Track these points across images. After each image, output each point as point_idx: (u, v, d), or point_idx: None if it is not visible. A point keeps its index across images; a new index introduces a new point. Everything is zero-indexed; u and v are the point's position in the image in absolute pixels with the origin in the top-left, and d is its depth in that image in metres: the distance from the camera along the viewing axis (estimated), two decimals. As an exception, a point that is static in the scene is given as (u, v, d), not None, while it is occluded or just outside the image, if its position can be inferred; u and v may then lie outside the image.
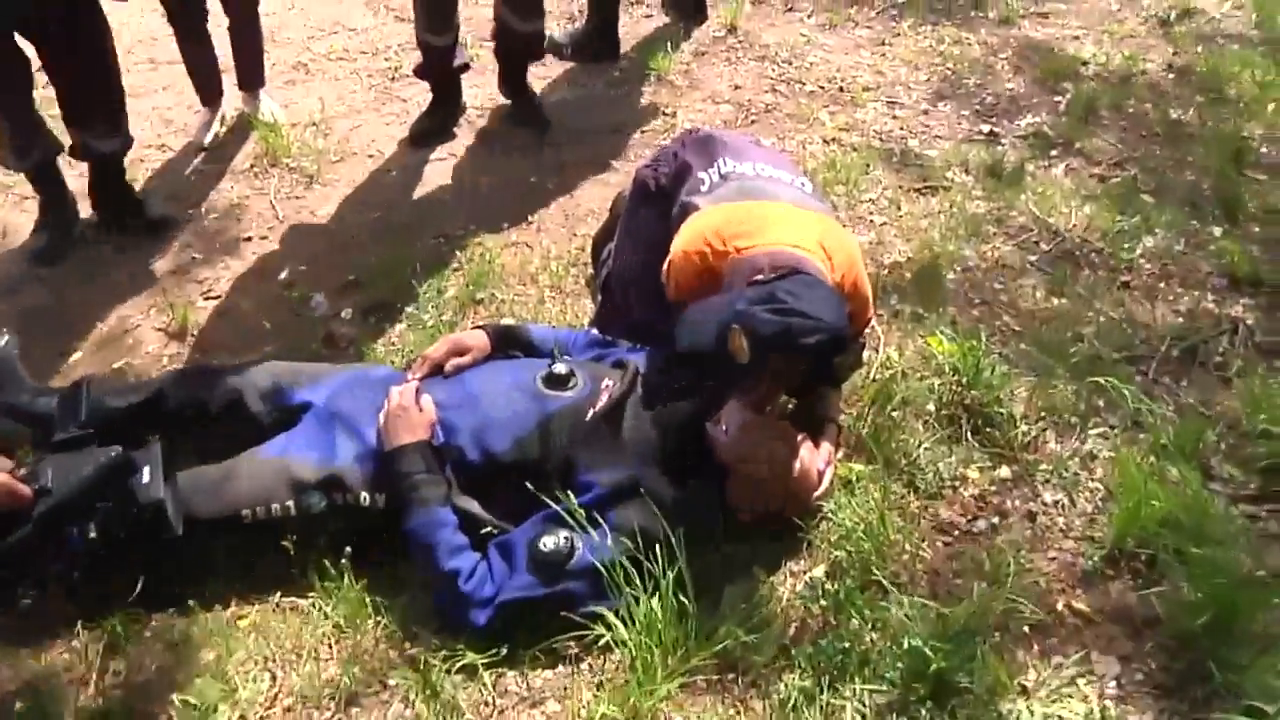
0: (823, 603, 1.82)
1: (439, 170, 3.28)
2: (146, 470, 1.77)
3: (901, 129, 3.51)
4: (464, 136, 3.44)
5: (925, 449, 2.16)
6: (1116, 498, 2.02)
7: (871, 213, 3.07)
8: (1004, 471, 2.12)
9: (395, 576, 1.89)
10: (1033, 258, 2.83)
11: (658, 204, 2.23)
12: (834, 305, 1.81)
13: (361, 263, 2.81)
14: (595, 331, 2.36)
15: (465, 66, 3.41)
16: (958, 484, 2.10)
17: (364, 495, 1.87)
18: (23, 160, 2.71)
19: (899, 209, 3.06)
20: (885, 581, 1.83)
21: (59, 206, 2.86)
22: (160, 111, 3.53)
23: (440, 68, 3.30)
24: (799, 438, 1.93)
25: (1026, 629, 1.78)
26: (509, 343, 2.18)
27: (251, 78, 3.35)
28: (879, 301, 2.62)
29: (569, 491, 1.79)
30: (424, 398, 1.95)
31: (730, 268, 1.93)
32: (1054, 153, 3.34)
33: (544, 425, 1.90)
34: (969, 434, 2.20)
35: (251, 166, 3.22)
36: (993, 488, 2.09)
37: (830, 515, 1.99)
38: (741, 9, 4.16)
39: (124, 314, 2.67)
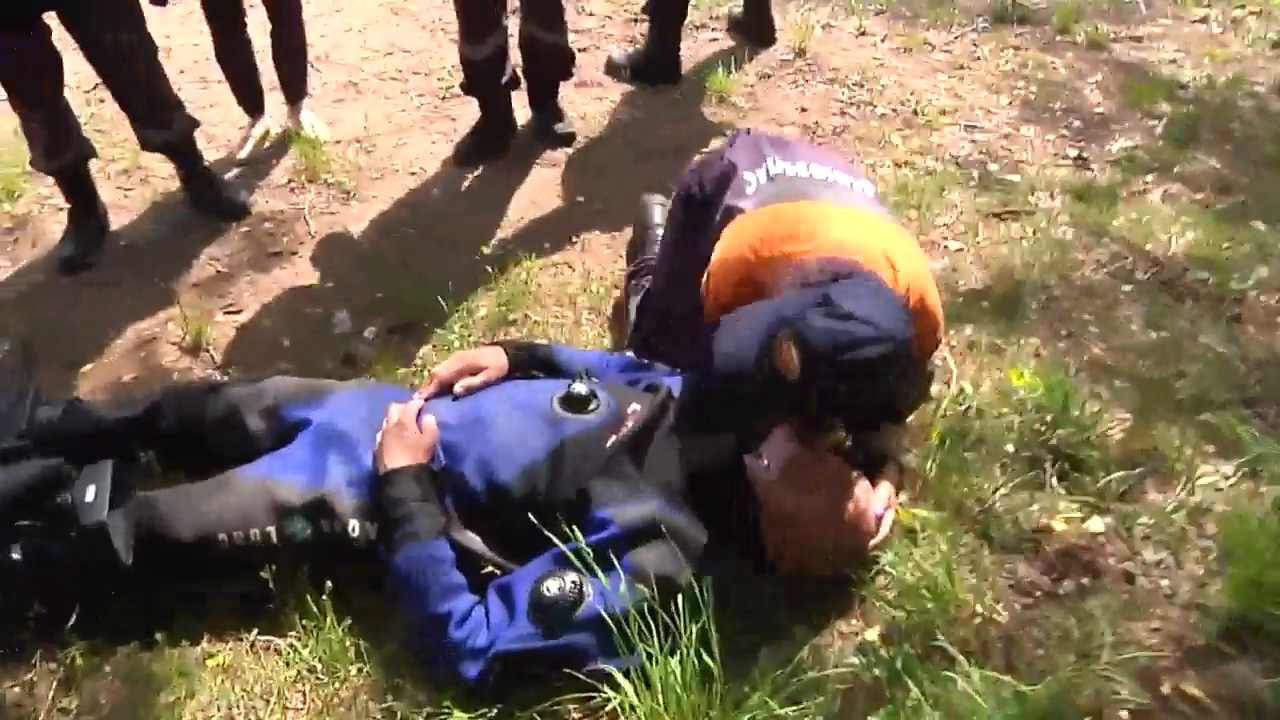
0: (876, 671, 1.54)
1: (482, 190, 3.12)
2: (91, 490, 1.59)
3: (981, 153, 3.24)
4: (512, 156, 3.27)
5: (1002, 495, 1.87)
6: (1232, 560, 1.70)
7: (946, 238, 2.80)
8: (1095, 524, 1.81)
9: (384, 618, 1.67)
10: (1127, 287, 2.52)
11: (700, 212, 2.00)
12: (899, 314, 1.56)
13: (391, 281, 2.64)
14: (631, 355, 2.14)
15: (515, 83, 3.25)
16: (1040, 537, 1.80)
17: (353, 524, 1.67)
18: (52, 161, 2.64)
19: (977, 234, 2.79)
20: (951, 649, 1.54)
21: (87, 213, 2.79)
22: (206, 129, 3.44)
23: (484, 83, 3.13)
24: (854, 475, 1.66)
25: (1125, 715, 1.47)
26: (530, 363, 1.97)
27: (294, 88, 3.25)
28: (951, 331, 2.35)
29: (580, 529, 1.55)
30: (426, 418, 1.75)
31: (777, 276, 1.69)
32: (1149, 178, 3.03)
33: (557, 452, 1.68)
34: (1054, 479, 1.90)
35: (289, 182, 3.10)
36: (1082, 542, 1.78)
37: (888, 569, 1.71)
38: (811, 33, 3.94)
39: (140, 327, 2.54)
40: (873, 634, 1.63)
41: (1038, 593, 1.70)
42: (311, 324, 2.53)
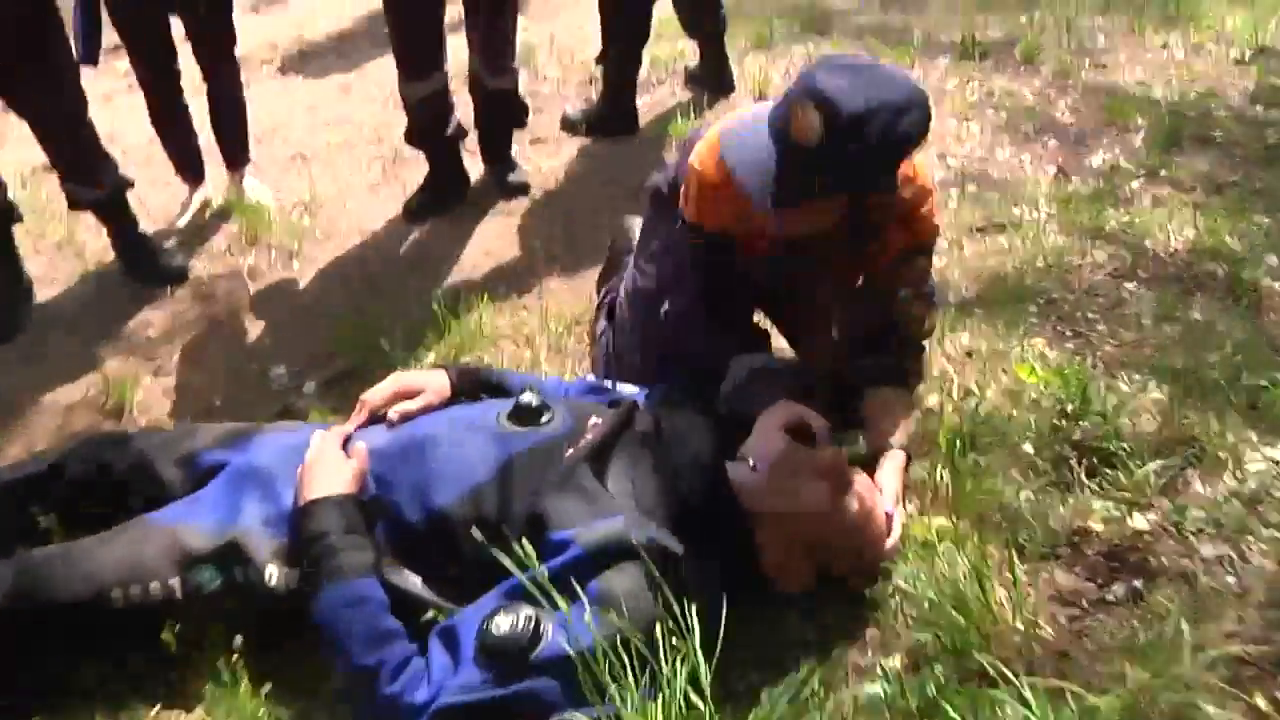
0: (908, 700, 1.27)
1: (433, 242, 2.93)
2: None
3: (956, 176, 3.09)
4: (466, 209, 3.10)
5: (1027, 499, 1.62)
6: (1306, 549, 1.46)
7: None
8: (1139, 521, 1.57)
9: (313, 679, 1.39)
10: (1130, 285, 2.33)
11: (671, 197, 1.82)
12: (914, 83, 1.50)
13: (334, 335, 2.42)
14: (591, 378, 1.91)
15: (462, 133, 3.09)
16: (1078, 540, 1.55)
17: (270, 571, 1.40)
18: None
19: (963, 248, 2.61)
20: (994, 668, 1.27)
21: (9, 281, 2.59)
22: (144, 203, 3.26)
23: (428, 130, 2.95)
24: (853, 470, 1.42)
25: (1214, 730, 1.20)
26: (477, 387, 1.74)
27: (234, 154, 3.09)
28: (947, 340, 2.14)
29: (535, 553, 1.29)
30: (355, 444, 1.50)
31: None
32: (1135, 184, 2.88)
33: (505, 470, 1.43)
34: (1083, 477, 1.66)
35: (229, 247, 2.90)
36: (1127, 542, 1.53)
37: (905, 586, 1.46)
38: (770, 81, 3.85)
39: (61, 394, 2.32)
40: (894, 662, 1.36)
41: (1084, 601, 1.45)
42: (246, 380, 2.31)
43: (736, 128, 1.57)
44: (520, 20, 3.00)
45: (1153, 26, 4.15)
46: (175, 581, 1.39)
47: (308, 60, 4.43)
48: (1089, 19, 4.29)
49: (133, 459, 1.63)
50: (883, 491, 1.47)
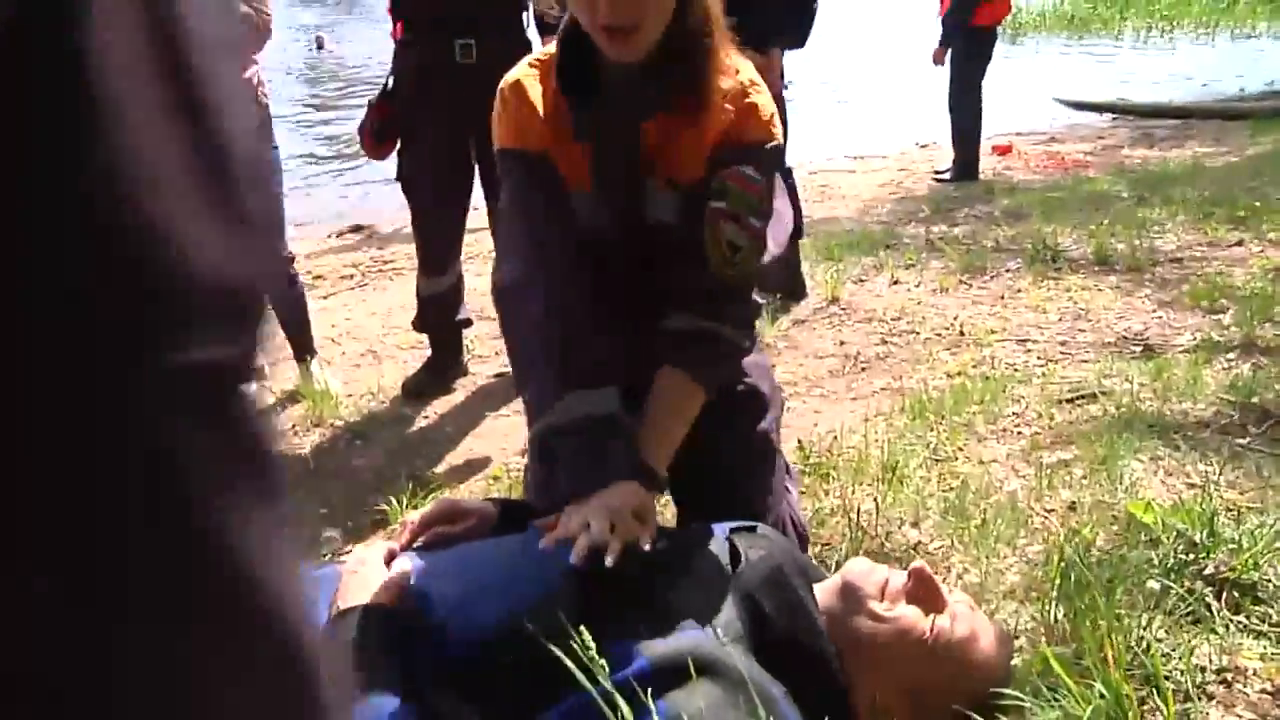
0: None
1: (502, 425, 2.91)
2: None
3: (1038, 358, 3.01)
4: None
5: (1161, 636, 1.40)
6: None
7: (1018, 425, 2.49)
8: (1301, 656, 1.33)
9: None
10: (1241, 440, 2.15)
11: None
12: None
13: (393, 503, 2.36)
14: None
15: (467, 322, 3.23)
16: (1230, 677, 1.32)
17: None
18: None
19: (1053, 418, 2.48)
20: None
21: None
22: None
23: (435, 321, 3.14)
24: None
25: None
26: (524, 518, 1.62)
27: (299, 345, 3.21)
28: (1046, 497, 1.97)
29: (595, 668, 1.13)
30: (398, 560, 1.39)
31: None
32: (1230, 356, 2.75)
33: (557, 586, 1.29)
34: (1225, 611, 1.44)
35: (293, 426, 2.93)
36: (1290, 679, 1.29)
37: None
38: (843, 285, 3.91)
39: None
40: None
41: (1252, 742, 1.20)
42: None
43: None
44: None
45: (1223, 227, 4.14)
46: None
47: (384, 275, 4.71)
48: (1159, 223, 4.32)
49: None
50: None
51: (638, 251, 1.52)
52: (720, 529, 1.43)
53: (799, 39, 3.33)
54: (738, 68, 1.45)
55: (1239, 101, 9.82)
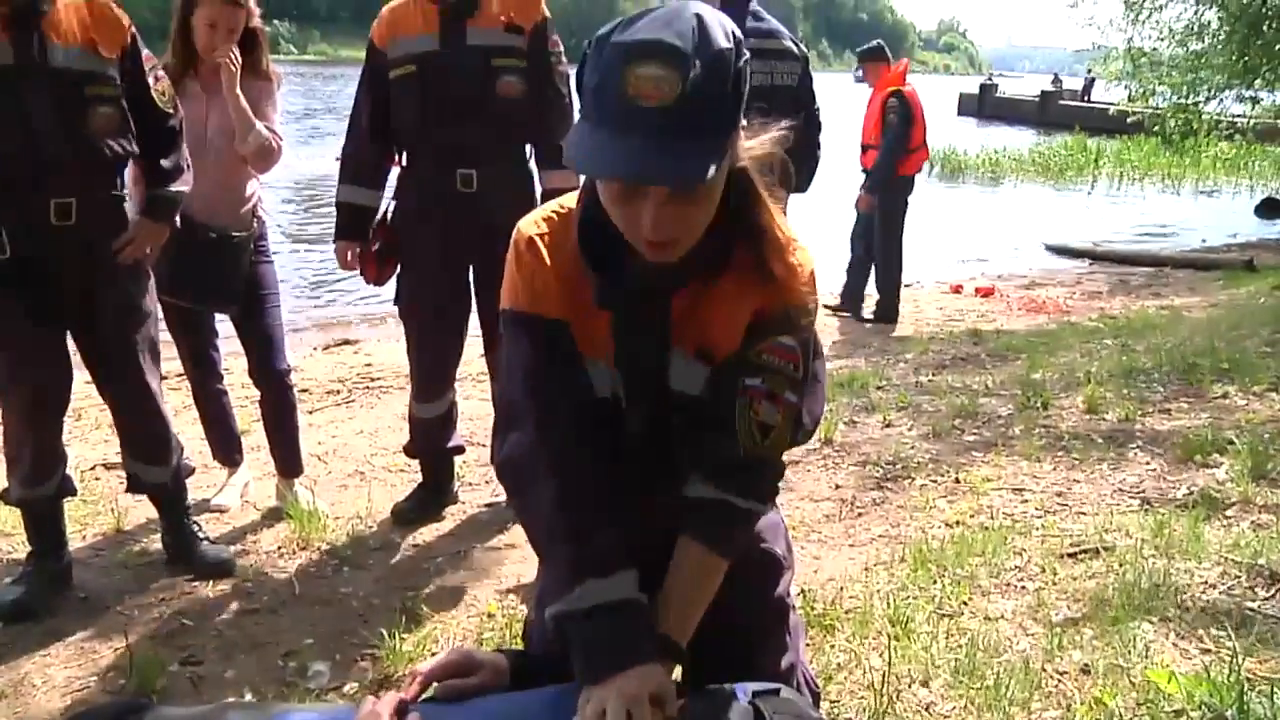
0: None
1: (489, 558, 2.85)
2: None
3: (1036, 509, 3.00)
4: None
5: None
6: None
7: (1021, 579, 2.47)
8: None
9: None
10: (1252, 604, 2.14)
11: None
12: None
13: (383, 637, 2.29)
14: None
15: (459, 449, 3.21)
16: None
17: None
18: (31, 489, 2.46)
19: (1055, 573, 2.46)
20: None
21: (50, 558, 2.52)
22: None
23: (429, 445, 3.13)
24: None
25: None
26: (535, 676, 1.57)
27: (287, 464, 3.16)
28: (1056, 658, 1.94)
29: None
30: (410, 714, 1.34)
31: None
32: (1230, 512, 2.76)
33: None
34: (1257, 796, 1.40)
35: (278, 548, 2.86)
36: None
37: None
38: (835, 427, 3.93)
39: (76, 675, 2.17)
40: None
41: None
42: (282, 677, 2.15)
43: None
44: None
45: (1208, 377, 4.22)
46: None
47: (371, 392, 4.69)
48: (1144, 372, 4.40)
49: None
50: None
51: (656, 419, 1.44)
52: (742, 692, 1.38)
53: (805, 185, 3.46)
54: (782, 223, 1.37)
55: (1208, 252, 10.19)
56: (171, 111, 2.48)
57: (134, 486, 2.68)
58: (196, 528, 2.76)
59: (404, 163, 2.90)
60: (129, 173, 2.48)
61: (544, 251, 1.38)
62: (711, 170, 1.15)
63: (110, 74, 2.29)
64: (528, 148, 2.92)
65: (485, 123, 2.73)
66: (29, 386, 2.35)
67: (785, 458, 1.45)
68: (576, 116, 1.40)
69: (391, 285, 2.99)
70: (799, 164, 3.67)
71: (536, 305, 1.38)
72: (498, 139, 2.79)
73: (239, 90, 2.78)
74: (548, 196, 2.84)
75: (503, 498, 3.14)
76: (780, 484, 1.49)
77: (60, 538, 2.57)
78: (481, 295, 2.92)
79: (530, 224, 1.42)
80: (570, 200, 1.42)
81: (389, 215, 2.94)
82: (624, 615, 1.30)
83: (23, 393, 2.36)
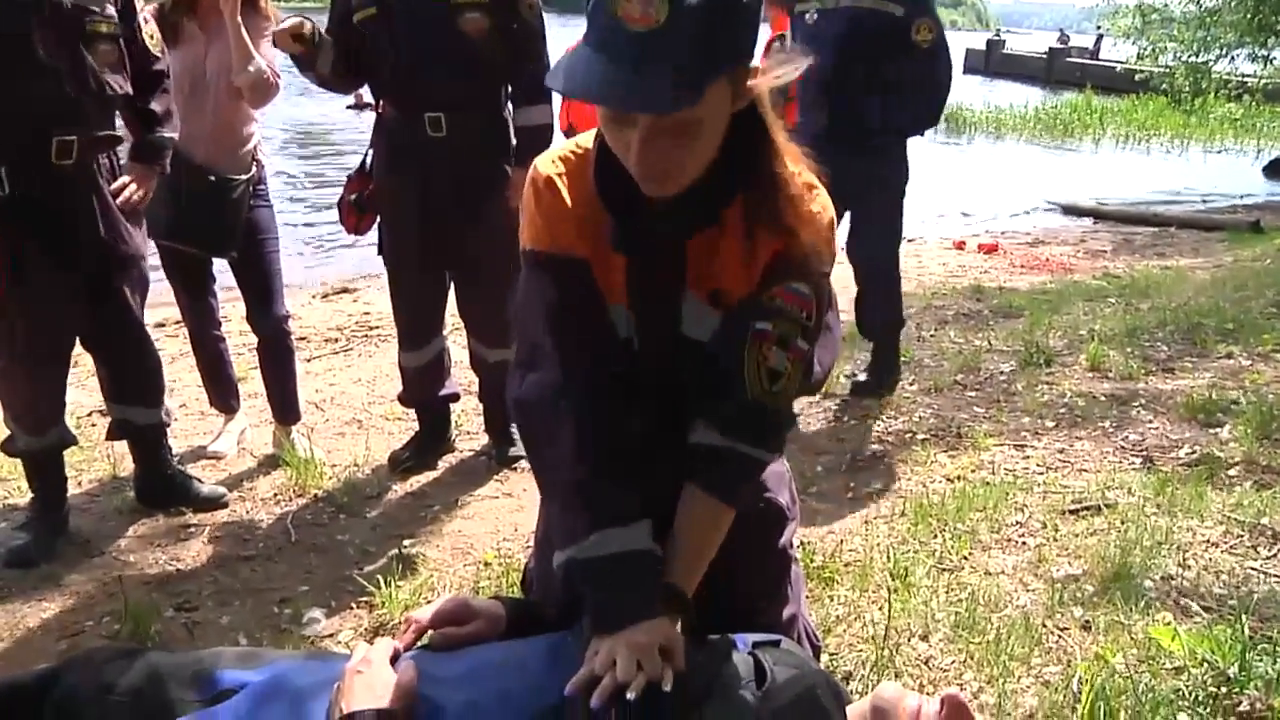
0: None
1: (488, 507, 2.83)
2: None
3: (1038, 465, 2.99)
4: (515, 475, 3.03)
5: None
6: None
7: (1022, 535, 2.45)
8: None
9: None
10: (1254, 563, 2.13)
11: None
12: None
13: (381, 585, 2.27)
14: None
15: (454, 397, 3.19)
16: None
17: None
18: (34, 438, 2.42)
19: (1057, 529, 2.45)
20: None
21: (51, 507, 2.50)
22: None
23: (419, 395, 3.09)
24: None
25: None
26: (535, 623, 1.55)
27: (284, 411, 3.13)
28: (1058, 614, 1.93)
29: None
30: (404, 660, 1.32)
31: None
32: (1233, 472, 2.74)
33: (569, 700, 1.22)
34: (1260, 753, 1.39)
35: (275, 495, 2.83)
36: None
37: None
38: (837, 380, 3.88)
39: (72, 621, 2.16)
40: None
41: None
42: (277, 623, 2.14)
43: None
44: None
45: (1213, 338, 4.19)
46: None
47: (369, 341, 4.64)
48: (1148, 330, 4.37)
49: (139, 680, 1.43)
50: None
51: (668, 365, 1.42)
52: (742, 642, 1.37)
53: (911, 126, 3.43)
54: (799, 170, 1.34)
55: (1213, 213, 10.09)
56: (159, 55, 2.46)
57: (121, 431, 2.65)
58: (179, 470, 2.76)
59: (379, 109, 2.83)
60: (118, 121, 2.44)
61: (563, 190, 1.35)
62: (682, 102, 1.11)
63: (109, 12, 2.28)
64: (503, 92, 2.80)
65: (451, 63, 2.62)
66: (38, 331, 2.33)
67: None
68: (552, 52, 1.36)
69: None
70: (906, 103, 3.51)
71: (558, 244, 1.36)
72: (466, 80, 2.67)
73: (240, 19, 2.70)
74: (521, 135, 2.78)
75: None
76: (787, 434, 1.46)
77: (62, 487, 2.56)
78: (457, 240, 2.80)
79: (547, 162, 1.39)
80: (586, 140, 1.38)
81: (366, 164, 2.87)
82: (640, 566, 1.29)
83: (31, 339, 2.32)
